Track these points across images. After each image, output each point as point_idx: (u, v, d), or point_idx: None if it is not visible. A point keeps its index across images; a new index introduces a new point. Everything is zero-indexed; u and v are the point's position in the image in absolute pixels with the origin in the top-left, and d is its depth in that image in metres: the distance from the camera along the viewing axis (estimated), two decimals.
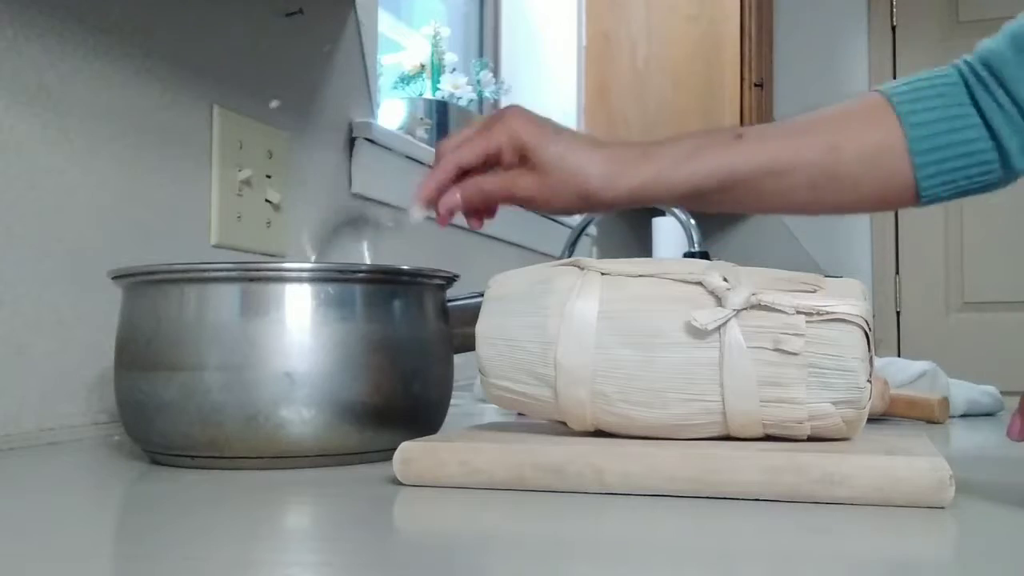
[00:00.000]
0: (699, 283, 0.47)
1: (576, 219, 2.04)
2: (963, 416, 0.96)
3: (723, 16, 2.19)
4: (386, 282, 0.58)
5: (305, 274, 0.55)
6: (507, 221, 1.79)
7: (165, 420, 0.55)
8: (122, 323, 0.58)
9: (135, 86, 0.82)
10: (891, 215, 3.06)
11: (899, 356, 1.80)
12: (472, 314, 0.67)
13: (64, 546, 0.36)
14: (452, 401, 0.64)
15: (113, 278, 0.58)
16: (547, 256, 1.95)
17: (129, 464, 0.58)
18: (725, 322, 0.45)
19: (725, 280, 0.46)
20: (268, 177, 1.00)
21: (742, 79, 2.21)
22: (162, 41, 0.86)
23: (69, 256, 0.75)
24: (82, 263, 0.76)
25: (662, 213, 2.22)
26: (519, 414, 0.78)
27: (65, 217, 0.75)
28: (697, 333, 0.46)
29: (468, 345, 0.68)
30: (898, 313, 3.11)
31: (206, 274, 0.55)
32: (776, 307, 0.45)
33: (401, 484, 0.48)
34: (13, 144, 0.70)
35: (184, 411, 0.54)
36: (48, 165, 0.73)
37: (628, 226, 2.64)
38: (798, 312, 0.44)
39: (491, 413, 0.96)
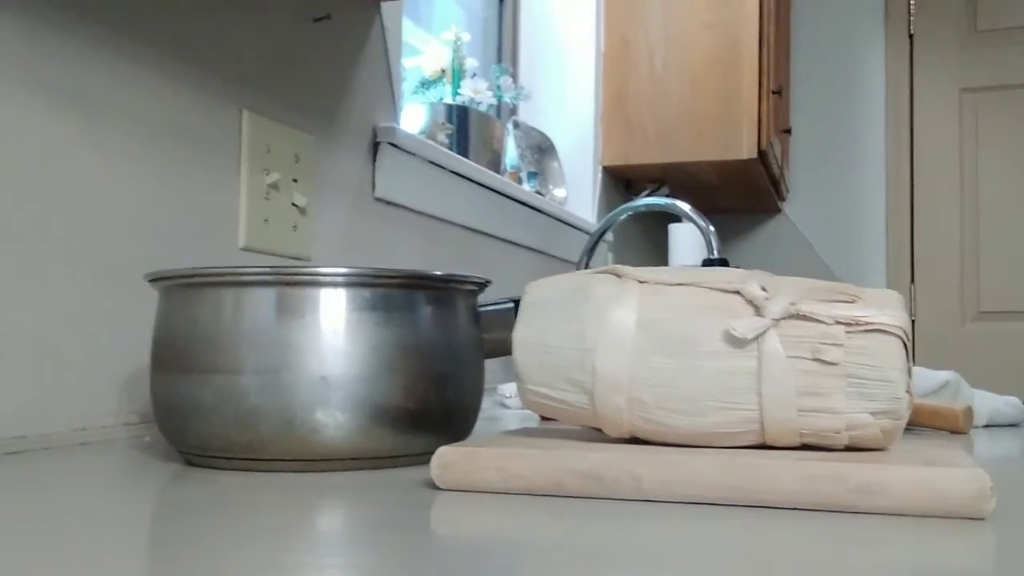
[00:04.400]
0: (737, 292, 0.47)
1: (594, 224, 2.05)
2: (986, 427, 0.96)
3: (741, 23, 2.19)
4: (420, 287, 0.58)
5: (340, 279, 0.56)
6: (525, 226, 1.80)
7: (202, 422, 0.55)
8: (159, 325, 0.59)
9: (168, 91, 0.83)
10: (907, 222, 3.06)
11: (913, 365, 1.79)
12: (500, 320, 0.68)
13: (104, 545, 0.36)
14: None
15: (150, 281, 0.59)
16: (565, 261, 1.96)
17: (163, 465, 0.59)
18: (764, 332, 0.45)
19: (764, 290, 0.47)
20: (295, 181, 1.00)
21: (760, 86, 2.21)
22: (194, 46, 0.87)
23: (102, 257, 0.76)
24: (114, 264, 0.77)
25: (678, 219, 2.22)
26: (543, 418, 0.78)
27: (99, 219, 0.75)
28: (735, 342, 0.46)
29: (497, 350, 0.69)
30: (913, 322, 3.10)
31: (243, 278, 0.56)
32: (815, 317, 0.45)
33: (436, 488, 0.48)
34: (51, 147, 0.71)
35: (221, 413, 0.54)
36: (83, 168, 0.74)
37: (644, 232, 2.64)
38: (837, 322, 0.45)
39: (513, 416, 0.97)
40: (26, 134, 0.69)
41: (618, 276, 0.50)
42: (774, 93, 2.38)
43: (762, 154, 2.24)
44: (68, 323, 0.72)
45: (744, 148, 2.20)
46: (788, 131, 2.86)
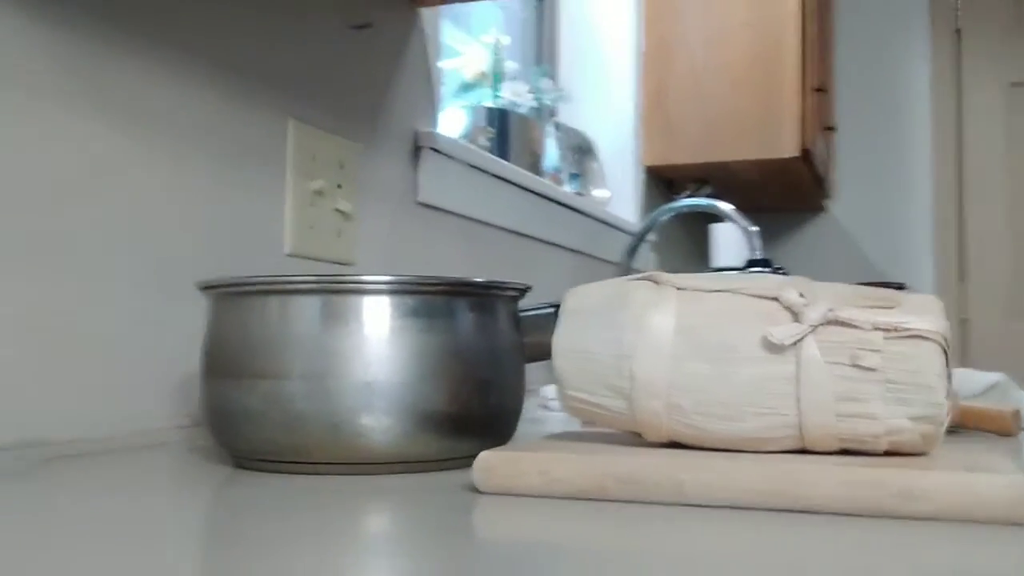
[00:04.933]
0: (775, 299, 0.47)
1: (635, 225, 2.05)
2: None
3: (782, 21, 2.18)
4: (462, 294, 0.59)
5: (384, 286, 0.57)
6: (567, 227, 1.81)
7: (251, 427, 0.57)
8: (209, 332, 0.61)
9: (217, 102, 0.85)
10: (955, 220, 3.01)
11: (968, 367, 1.77)
12: (542, 324, 0.68)
13: (157, 546, 0.38)
14: None
15: (201, 289, 0.61)
16: (607, 262, 1.96)
17: (215, 468, 0.60)
18: (802, 338, 0.45)
19: (802, 296, 0.47)
20: (339, 187, 1.02)
21: (802, 84, 2.19)
22: (242, 59, 0.89)
23: (155, 264, 0.78)
24: (168, 271, 0.79)
25: (720, 219, 2.21)
26: (584, 423, 0.79)
27: (154, 228, 0.78)
28: (773, 348, 0.46)
29: (538, 355, 0.70)
30: (962, 321, 3.05)
31: (289, 286, 0.57)
32: (853, 323, 0.45)
33: (479, 492, 0.49)
34: (110, 160, 0.73)
35: (269, 418, 0.56)
36: (136, 178, 0.76)
37: (686, 232, 2.63)
38: (875, 328, 0.45)
39: (556, 419, 0.98)
40: (86, 146, 0.71)
41: (656, 283, 0.50)
42: (817, 90, 2.36)
43: (805, 152, 2.22)
44: (122, 329, 0.74)
45: (786, 146, 2.18)
46: (832, 129, 2.83)
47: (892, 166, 3.10)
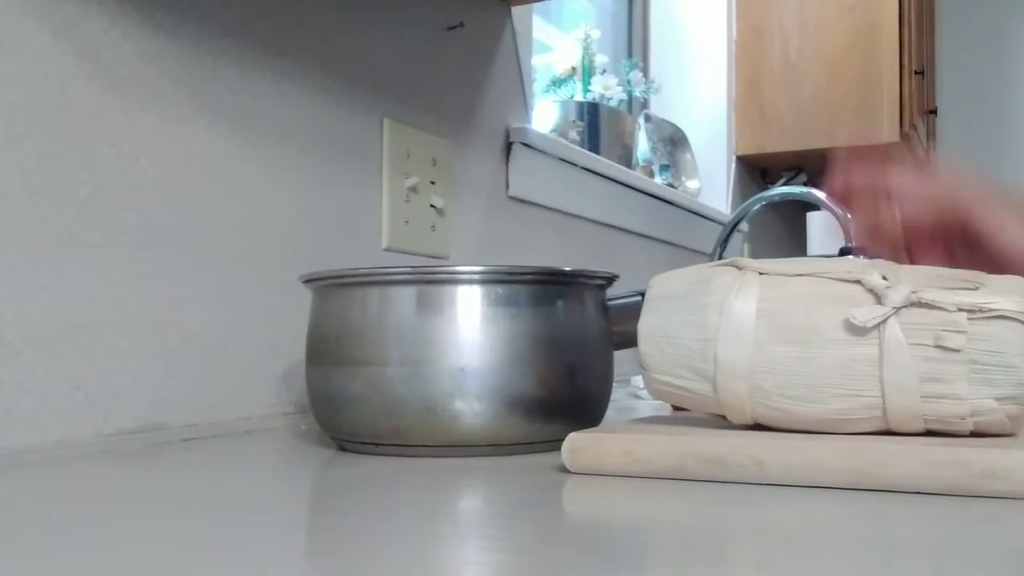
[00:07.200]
0: (858, 281, 0.48)
1: (728, 215, 2.03)
2: None
3: (881, 4, 2.13)
4: (551, 283, 0.61)
5: (476, 276, 0.59)
6: (658, 219, 1.81)
7: (353, 411, 0.60)
8: (313, 323, 0.64)
9: (315, 104, 0.89)
10: None
11: None
12: (630, 312, 0.70)
13: (272, 519, 0.41)
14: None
15: (304, 282, 0.64)
16: (698, 253, 1.95)
17: (319, 451, 0.64)
18: (885, 319, 0.46)
19: (884, 278, 0.47)
20: (432, 183, 1.05)
21: (901, 67, 2.14)
22: (337, 60, 0.93)
23: (259, 261, 0.82)
24: (270, 267, 0.83)
25: (816, 207, 2.17)
26: (675, 408, 0.80)
27: (256, 226, 0.82)
28: (856, 330, 0.47)
29: (626, 342, 0.71)
30: None
31: (387, 277, 0.60)
32: (937, 304, 0.45)
33: (568, 472, 0.51)
34: (213, 161, 0.78)
35: (370, 403, 0.59)
36: (242, 179, 0.81)
37: (781, 221, 2.60)
38: (959, 309, 0.45)
39: (647, 407, 0.99)
40: (192, 151, 0.76)
41: (739, 268, 0.52)
42: (917, 73, 2.30)
43: (904, 137, 2.17)
44: (232, 322, 0.79)
45: (885, 132, 2.14)
46: (934, 112, 2.75)
47: (997, 148, 2.99)
